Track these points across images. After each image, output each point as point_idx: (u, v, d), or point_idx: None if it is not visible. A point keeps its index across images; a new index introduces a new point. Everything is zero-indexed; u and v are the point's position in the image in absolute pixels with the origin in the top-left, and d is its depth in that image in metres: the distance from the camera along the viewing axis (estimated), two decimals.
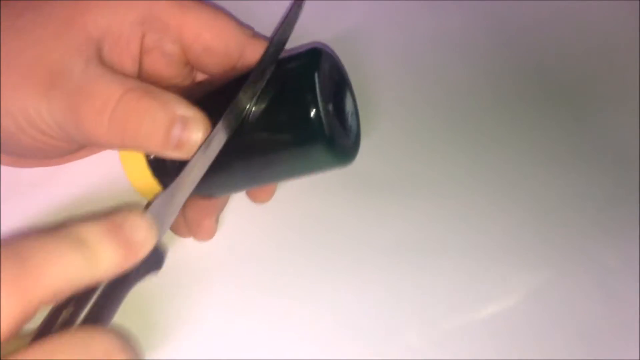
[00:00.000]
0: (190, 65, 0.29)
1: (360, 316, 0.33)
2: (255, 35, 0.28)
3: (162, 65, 0.29)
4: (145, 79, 0.29)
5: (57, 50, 0.25)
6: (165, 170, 0.27)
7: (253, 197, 0.32)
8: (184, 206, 0.30)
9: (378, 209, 0.35)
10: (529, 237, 0.36)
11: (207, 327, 0.32)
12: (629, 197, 0.38)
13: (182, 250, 0.32)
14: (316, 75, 0.25)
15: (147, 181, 0.28)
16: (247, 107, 0.25)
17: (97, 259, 0.19)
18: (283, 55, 0.27)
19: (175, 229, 0.31)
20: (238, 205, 0.33)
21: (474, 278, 0.35)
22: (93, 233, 0.20)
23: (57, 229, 0.19)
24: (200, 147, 0.24)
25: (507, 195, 0.37)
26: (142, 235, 0.21)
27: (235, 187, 0.30)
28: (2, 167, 0.31)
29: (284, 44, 0.27)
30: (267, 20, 0.30)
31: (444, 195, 0.36)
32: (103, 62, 0.26)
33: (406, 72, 0.38)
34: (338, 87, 0.27)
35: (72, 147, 0.28)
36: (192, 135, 0.24)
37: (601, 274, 0.36)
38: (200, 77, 0.31)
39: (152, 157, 0.28)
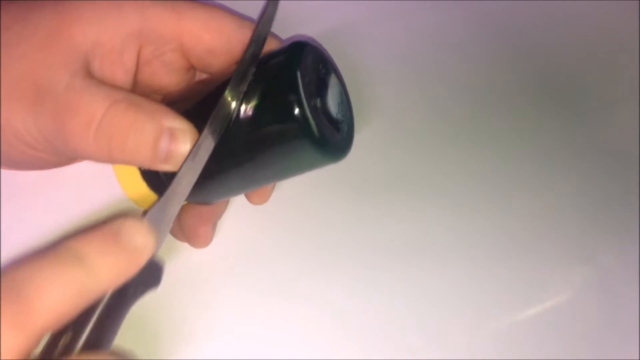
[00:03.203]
0: (192, 69, 0.29)
1: (361, 316, 0.33)
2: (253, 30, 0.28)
3: (163, 75, 0.28)
4: (146, 90, 0.28)
5: (42, 64, 0.25)
6: (158, 179, 0.27)
7: (250, 199, 0.32)
8: (180, 213, 0.30)
9: (378, 209, 0.35)
10: (528, 236, 0.36)
11: (207, 329, 0.32)
12: (629, 197, 0.38)
13: (181, 255, 0.32)
14: (298, 71, 0.24)
15: (141, 190, 0.28)
16: (233, 109, 0.24)
17: (97, 271, 0.19)
18: (268, 51, 0.26)
19: (173, 234, 0.31)
20: (236, 207, 0.33)
21: (474, 278, 0.35)
22: (90, 245, 0.19)
23: (52, 248, 0.19)
24: (188, 155, 0.24)
25: (506, 195, 0.37)
26: (141, 241, 0.20)
27: (230, 192, 0.29)
28: (1, 169, 0.31)
29: (263, 41, 0.26)
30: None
31: (443, 195, 0.36)
32: (91, 75, 0.25)
33: (405, 71, 0.38)
34: (325, 80, 0.26)
35: (62, 160, 0.28)
36: (180, 147, 0.24)
37: (601, 274, 0.36)
38: (200, 76, 0.31)
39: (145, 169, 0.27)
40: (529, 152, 0.38)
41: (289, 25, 0.28)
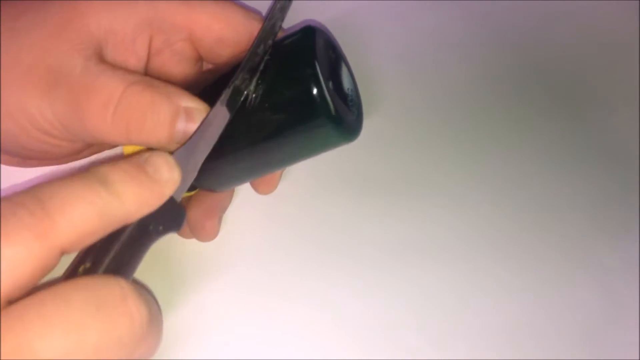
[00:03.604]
0: (201, 60, 0.29)
1: (361, 316, 0.33)
2: (263, 19, 0.28)
3: (173, 64, 0.28)
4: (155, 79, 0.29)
5: (56, 49, 0.25)
6: None
7: (256, 187, 0.32)
8: (186, 207, 0.30)
9: (378, 209, 0.35)
10: (528, 236, 0.36)
11: (206, 327, 0.32)
12: (629, 197, 0.38)
13: (182, 251, 0.32)
14: (314, 51, 0.25)
15: None
16: (247, 88, 0.25)
17: (121, 197, 0.19)
18: (279, 37, 0.26)
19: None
20: (239, 205, 0.33)
21: (474, 278, 0.35)
22: (116, 172, 0.19)
23: (79, 171, 0.19)
24: (216, 102, 0.24)
25: (506, 195, 0.37)
26: (166, 173, 0.20)
27: (242, 177, 0.29)
28: (3, 166, 0.31)
29: (279, 22, 0.26)
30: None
31: (443, 195, 0.36)
32: (105, 61, 0.26)
33: (405, 71, 0.38)
34: (335, 64, 0.27)
35: (77, 146, 0.28)
36: (196, 127, 0.24)
37: (601, 274, 0.36)
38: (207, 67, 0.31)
39: None
40: (529, 152, 0.38)
41: (290, 20, 0.28)
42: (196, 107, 0.24)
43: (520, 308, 0.35)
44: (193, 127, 0.24)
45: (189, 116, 0.24)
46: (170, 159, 0.21)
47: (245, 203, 0.32)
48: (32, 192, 0.18)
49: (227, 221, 0.32)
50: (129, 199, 0.19)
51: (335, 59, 0.27)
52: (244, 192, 0.33)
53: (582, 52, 0.40)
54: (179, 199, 0.22)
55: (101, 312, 0.17)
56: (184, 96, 0.25)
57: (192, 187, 0.29)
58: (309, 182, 0.34)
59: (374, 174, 0.36)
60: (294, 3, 0.27)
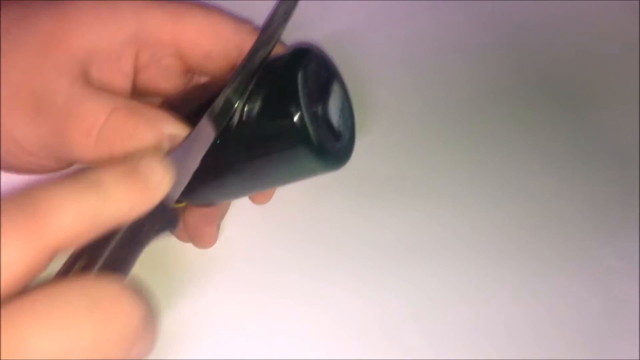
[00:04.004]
0: (190, 72, 0.29)
1: (360, 316, 0.33)
2: (255, 29, 0.27)
3: (160, 79, 0.28)
4: (144, 94, 0.28)
5: (40, 72, 0.25)
6: None
7: (251, 198, 0.32)
8: (184, 214, 0.30)
9: (378, 210, 0.35)
10: (528, 236, 0.36)
11: (205, 327, 0.32)
12: (629, 197, 0.38)
13: (181, 251, 0.32)
14: (298, 78, 0.24)
15: None
16: (236, 104, 0.24)
17: (112, 199, 0.19)
18: (274, 55, 0.26)
19: (177, 235, 0.31)
20: (238, 206, 0.33)
21: (474, 278, 0.35)
22: (108, 174, 0.19)
23: (71, 174, 0.19)
24: (208, 109, 0.24)
25: (506, 195, 0.37)
26: (158, 177, 0.20)
27: (231, 195, 0.29)
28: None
29: (274, 37, 0.26)
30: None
31: (443, 195, 0.36)
32: (90, 82, 0.25)
33: (405, 72, 0.38)
34: (327, 86, 0.26)
35: (62, 165, 0.28)
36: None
37: (601, 274, 0.36)
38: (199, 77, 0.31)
39: None
40: (529, 153, 0.38)
41: (289, 27, 0.28)
42: (180, 133, 0.24)
43: (521, 308, 0.35)
44: None
45: (172, 143, 0.24)
46: (163, 164, 0.21)
47: (244, 203, 0.32)
48: (25, 193, 0.18)
49: (225, 221, 0.32)
50: (121, 201, 0.19)
51: (327, 80, 0.26)
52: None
53: (582, 52, 0.40)
54: (173, 201, 0.22)
55: (97, 309, 0.17)
56: (168, 122, 0.24)
57: (180, 201, 0.29)
58: (309, 182, 0.34)
59: (374, 175, 0.36)
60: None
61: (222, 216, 0.31)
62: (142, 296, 0.18)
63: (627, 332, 0.35)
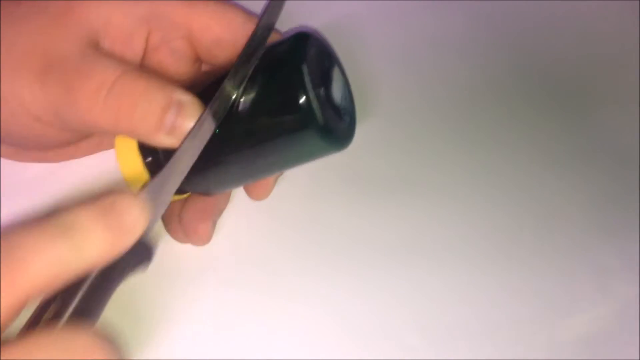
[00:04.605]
0: (199, 61, 0.29)
1: (360, 316, 0.33)
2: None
3: (170, 62, 0.28)
4: None
5: (53, 35, 0.25)
6: (160, 165, 0.27)
7: (250, 194, 0.32)
8: (180, 210, 0.30)
9: (378, 209, 0.35)
10: (528, 236, 0.36)
11: (201, 326, 0.31)
12: (629, 197, 0.38)
13: (177, 249, 0.32)
14: (303, 60, 0.24)
15: (142, 176, 0.28)
16: (235, 94, 0.25)
17: (84, 245, 0.19)
18: (272, 42, 0.26)
19: (172, 233, 0.31)
20: (236, 204, 0.33)
21: (474, 277, 0.35)
22: (81, 218, 0.19)
23: (47, 216, 0.19)
24: (189, 134, 0.24)
25: (506, 195, 0.37)
26: (132, 218, 0.20)
27: (232, 181, 0.29)
28: (2, 164, 0.31)
29: (270, 27, 0.26)
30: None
31: (443, 195, 0.36)
32: (102, 49, 0.26)
33: (404, 70, 0.38)
34: (328, 71, 0.27)
35: (68, 136, 0.28)
36: (186, 120, 0.24)
37: (601, 274, 0.36)
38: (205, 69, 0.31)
39: (150, 159, 0.27)
40: (529, 152, 0.38)
41: (287, 23, 0.28)
42: (189, 101, 0.24)
43: (520, 308, 0.35)
44: (182, 122, 0.24)
45: (180, 109, 0.24)
46: (138, 203, 0.20)
47: (242, 202, 0.32)
48: (2, 239, 0.18)
49: (224, 220, 0.32)
50: (95, 246, 0.19)
51: (328, 65, 0.27)
52: (241, 192, 0.33)
53: (582, 52, 0.40)
54: (149, 232, 0.22)
55: None
56: (177, 90, 0.25)
57: (183, 191, 0.29)
58: (308, 181, 0.34)
59: (373, 173, 0.36)
60: (290, 3, 0.27)
61: (219, 213, 0.31)
62: (113, 347, 0.18)
63: (627, 332, 0.35)
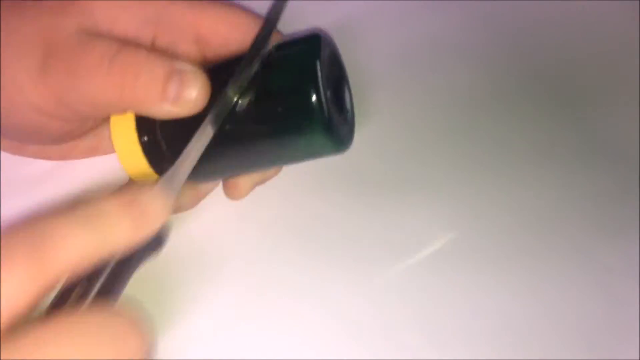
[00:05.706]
0: (205, 62, 0.29)
1: (360, 316, 0.33)
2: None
3: None
4: None
5: (56, 24, 0.25)
6: (159, 154, 0.27)
7: (227, 192, 0.31)
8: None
9: (377, 209, 0.35)
10: (528, 236, 0.36)
11: (206, 324, 0.32)
12: (629, 197, 0.38)
13: (177, 250, 0.32)
14: (318, 60, 0.25)
15: (141, 167, 0.28)
16: (239, 96, 0.25)
17: (112, 232, 0.20)
18: (288, 39, 0.27)
19: (178, 207, 0.31)
20: (237, 206, 0.33)
21: (474, 277, 0.35)
22: (108, 207, 0.20)
23: (73, 204, 0.20)
24: (196, 132, 0.24)
25: (506, 195, 0.37)
26: (155, 210, 0.21)
27: (226, 172, 0.29)
28: (2, 164, 0.31)
29: (273, 29, 0.26)
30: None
31: (443, 194, 0.36)
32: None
33: (404, 71, 0.38)
34: (335, 74, 0.27)
35: (69, 126, 0.28)
36: (190, 89, 0.24)
37: (601, 274, 0.36)
38: None
39: (146, 139, 0.27)
40: (529, 152, 0.38)
41: (288, 24, 0.28)
42: (191, 70, 0.25)
43: (520, 308, 0.35)
44: (186, 91, 0.24)
45: (183, 78, 0.24)
46: (160, 195, 0.22)
47: (243, 202, 0.32)
48: (32, 224, 0.19)
49: (224, 220, 0.32)
50: (121, 232, 0.20)
51: (336, 69, 0.27)
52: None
53: (582, 52, 0.40)
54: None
55: (116, 341, 0.18)
56: (179, 59, 0.25)
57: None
58: (307, 181, 0.34)
59: (373, 173, 0.36)
60: (291, 4, 0.27)
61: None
62: (145, 330, 0.19)
63: (627, 332, 0.35)
